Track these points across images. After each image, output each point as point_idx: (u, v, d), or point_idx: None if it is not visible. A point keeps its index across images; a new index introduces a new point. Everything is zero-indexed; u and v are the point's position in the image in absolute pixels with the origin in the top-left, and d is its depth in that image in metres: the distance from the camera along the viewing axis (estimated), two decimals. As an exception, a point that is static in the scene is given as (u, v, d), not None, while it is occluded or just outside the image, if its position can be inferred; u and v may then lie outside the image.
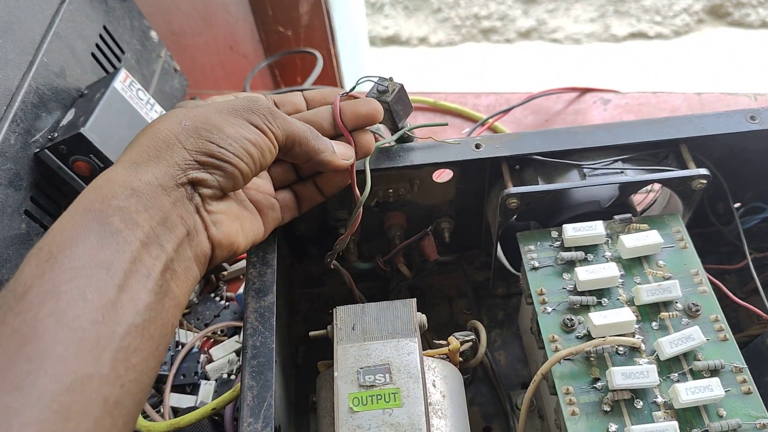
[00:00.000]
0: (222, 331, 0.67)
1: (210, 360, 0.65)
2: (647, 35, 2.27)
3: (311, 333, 0.49)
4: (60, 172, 0.58)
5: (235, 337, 0.66)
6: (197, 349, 0.65)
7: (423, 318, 0.48)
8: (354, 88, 0.52)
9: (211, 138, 0.40)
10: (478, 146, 0.53)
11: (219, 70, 1.02)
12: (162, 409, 0.60)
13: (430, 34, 2.40)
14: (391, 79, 0.53)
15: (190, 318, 0.68)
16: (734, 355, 0.45)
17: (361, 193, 0.49)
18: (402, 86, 0.53)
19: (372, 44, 2.30)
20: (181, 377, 0.63)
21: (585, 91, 0.83)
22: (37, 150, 0.57)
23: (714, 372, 0.44)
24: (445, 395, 0.47)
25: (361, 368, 0.45)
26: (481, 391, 0.60)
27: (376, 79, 0.53)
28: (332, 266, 0.58)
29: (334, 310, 0.48)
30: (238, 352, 0.65)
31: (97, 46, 0.68)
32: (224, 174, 0.41)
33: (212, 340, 0.67)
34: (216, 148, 0.40)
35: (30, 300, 0.32)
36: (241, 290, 0.67)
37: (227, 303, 0.69)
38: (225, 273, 0.71)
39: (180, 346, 0.65)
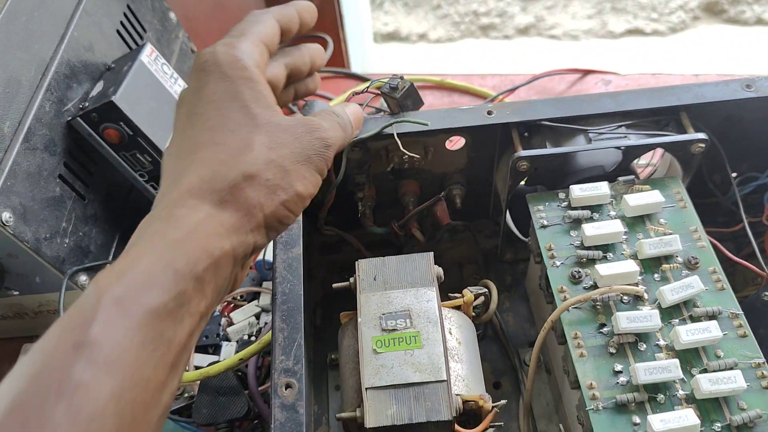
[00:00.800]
0: (241, 296, 0.70)
1: (230, 323, 0.68)
2: (644, 32, 2.30)
3: (335, 285, 0.52)
4: (90, 140, 0.61)
5: (254, 302, 0.69)
6: (218, 313, 0.68)
7: (440, 270, 0.51)
8: (369, 86, 0.58)
9: (287, 203, 0.38)
10: (489, 113, 0.56)
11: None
12: (187, 368, 0.63)
13: (429, 31, 2.43)
14: (401, 77, 0.57)
15: (211, 284, 0.71)
16: (731, 303, 0.49)
17: (336, 177, 0.55)
18: (412, 84, 0.57)
19: (372, 40, 2.33)
20: (204, 338, 0.66)
21: (587, 72, 0.86)
22: (69, 118, 0.60)
23: (712, 317, 0.47)
24: (460, 342, 0.50)
25: (383, 314, 0.48)
26: (491, 349, 0.63)
27: (387, 78, 0.57)
28: (325, 231, 0.62)
29: (357, 262, 0.51)
30: (257, 316, 0.68)
31: (122, 23, 0.71)
32: (278, 233, 0.41)
33: (232, 305, 0.70)
34: (286, 214, 0.39)
35: (106, 344, 0.29)
36: (260, 257, 0.69)
37: (246, 270, 0.72)
38: (243, 242, 0.73)
39: (202, 310, 0.68)
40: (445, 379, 0.45)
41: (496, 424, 0.50)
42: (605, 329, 0.48)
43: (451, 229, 0.64)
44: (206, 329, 0.67)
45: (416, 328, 0.47)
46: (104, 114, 0.59)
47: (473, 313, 0.55)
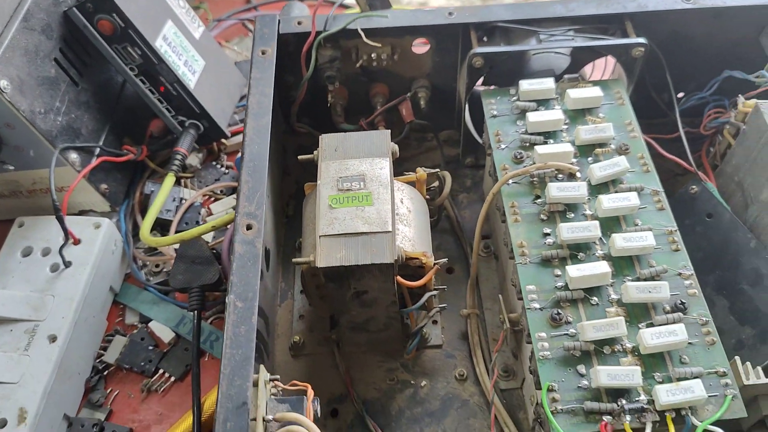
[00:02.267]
0: (221, 191, 0.75)
1: (210, 213, 0.73)
2: None
3: (300, 156, 0.57)
4: (85, 31, 0.66)
5: (233, 196, 0.75)
6: (199, 204, 0.74)
7: (395, 146, 0.56)
8: None
9: None
10: (450, 13, 0.61)
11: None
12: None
13: (429, -2, 2.46)
14: None
15: (193, 181, 0.76)
16: (653, 183, 0.54)
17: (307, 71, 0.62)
18: None
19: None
20: (185, 225, 0.71)
21: None
22: (66, 9, 0.65)
23: (634, 191, 0.53)
24: (410, 210, 0.55)
25: (340, 177, 0.53)
26: (447, 240, 0.68)
27: None
28: (298, 128, 0.67)
29: (321, 137, 0.57)
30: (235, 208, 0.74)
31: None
32: None
33: (213, 198, 0.75)
34: None
35: None
36: (240, 155, 0.75)
37: (227, 170, 0.77)
38: (226, 144, 0.79)
39: (182, 201, 0.73)
40: (390, 230, 0.50)
41: (441, 306, 0.57)
42: (539, 200, 0.54)
43: (414, 128, 0.69)
44: (187, 217, 0.72)
45: (368, 189, 0.52)
46: (98, 4, 0.64)
47: (427, 195, 0.61)
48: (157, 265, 0.69)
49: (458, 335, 0.62)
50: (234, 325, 0.44)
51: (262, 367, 0.45)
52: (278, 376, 0.45)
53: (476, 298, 0.63)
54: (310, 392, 0.44)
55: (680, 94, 0.70)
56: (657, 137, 0.65)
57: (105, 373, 0.64)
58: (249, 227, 0.49)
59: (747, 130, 0.58)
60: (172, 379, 0.63)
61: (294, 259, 0.51)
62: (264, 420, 0.42)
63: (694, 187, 0.60)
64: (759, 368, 0.47)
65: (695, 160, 0.67)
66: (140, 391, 0.63)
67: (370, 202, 0.52)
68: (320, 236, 0.50)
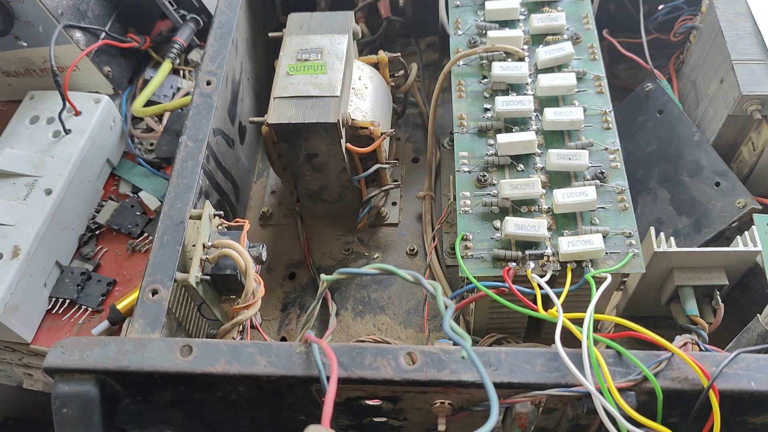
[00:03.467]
0: (217, 83, 0.81)
1: (204, 103, 0.79)
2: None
3: (270, 33, 0.62)
4: None
5: (227, 88, 0.80)
6: (195, 93, 0.79)
7: (357, 27, 0.60)
8: None
9: None
10: None
11: None
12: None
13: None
14: None
15: (193, 74, 0.82)
16: (598, 69, 0.56)
17: None
18: None
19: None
20: (179, 111, 0.77)
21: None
22: None
23: (575, 74, 0.55)
24: (367, 87, 0.59)
25: (301, 49, 0.58)
26: (417, 134, 0.72)
27: None
28: (282, 20, 0.71)
29: (290, 15, 0.61)
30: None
31: None
32: None
33: (208, 90, 0.80)
34: None
35: None
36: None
37: (225, 66, 0.83)
38: (225, 42, 0.84)
39: (179, 89, 0.79)
40: (338, 96, 0.54)
41: (395, 182, 0.61)
42: (485, 80, 0.57)
43: (399, 33, 0.73)
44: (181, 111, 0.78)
45: (324, 60, 0.57)
46: None
47: (392, 82, 0.64)
48: (151, 143, 0.75)
49: (414, 216, 0.66)
50: (183, 160, 0.49)
51: (207, 202, 0.50)
52: (222, 212, 0.50)
53: (435, 184, 0.67)
54: (247, 225, 0.49)
55: (660, 6, 0.71)
56: (623, 41, 0.67)
57: (97, 233, 0.70)
58: (208, 83, 0.54)
59: (702, 27, 0.59)
60: (155, 241, 0.69)
61: (250, 118, 0.56)
62: (204, 246, 0.48)
63: (649, 84, 0.62)
64: (672, 238, 0.50)
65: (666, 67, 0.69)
66: (126, 250, 0.69)
67: (324, 71, 0.56)
68: (274, 98, 0.55)
